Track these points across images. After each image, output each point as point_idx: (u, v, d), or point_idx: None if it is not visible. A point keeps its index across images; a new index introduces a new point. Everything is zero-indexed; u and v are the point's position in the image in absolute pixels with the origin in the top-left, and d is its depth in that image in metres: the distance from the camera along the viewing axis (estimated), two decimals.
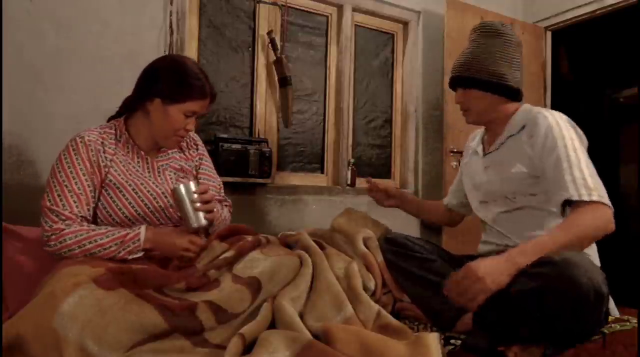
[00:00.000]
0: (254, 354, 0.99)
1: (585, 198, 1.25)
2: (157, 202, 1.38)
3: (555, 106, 3.33)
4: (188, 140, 1.57)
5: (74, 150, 1.33)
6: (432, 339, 1.08)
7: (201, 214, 1.31)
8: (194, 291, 1.18)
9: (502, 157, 1.50)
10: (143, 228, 1.29)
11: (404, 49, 3.16)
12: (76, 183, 1.30)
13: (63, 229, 1.23)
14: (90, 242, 1.23)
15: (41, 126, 1.98)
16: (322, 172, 2.89)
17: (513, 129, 1.48)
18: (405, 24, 3.14)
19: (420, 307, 1.47)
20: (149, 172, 1.43)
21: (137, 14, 2.21)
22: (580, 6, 3.15)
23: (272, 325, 1.18)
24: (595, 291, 1.08)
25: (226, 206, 1.61)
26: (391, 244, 1.56)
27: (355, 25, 2.99)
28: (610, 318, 1.37)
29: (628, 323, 1.43)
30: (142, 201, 1.36)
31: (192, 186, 1.30)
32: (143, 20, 2.22)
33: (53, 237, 1.22)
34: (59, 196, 1.27)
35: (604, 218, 1.25)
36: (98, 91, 2.10)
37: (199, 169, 1.56)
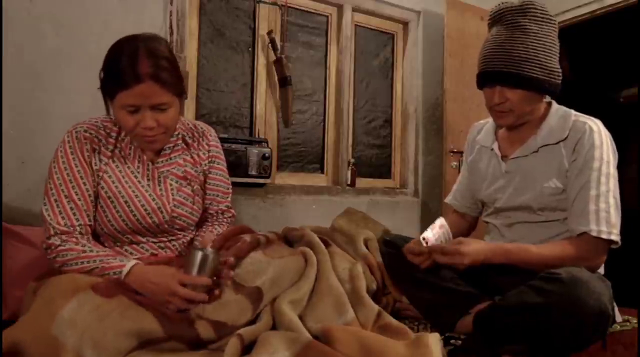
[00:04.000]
0: (253, 355, 0.99)
1: (604, 236, 1.22)
2: (152, 218, 1.25)
3: None
4: (198, 137, 1.37)
5: (70, 147, 1.21)
6: (433, 339, 1.08)
7: (200, 290, 1.09)
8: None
9: (533, 167, 1.34)
10: (130, 263, 1.12)
11: (404, 49, 3.16)
12: (73, 187, 1.19)
13: (58, 245, 1.14)
14: (76, 263, 1.13)
15: (41, 126, 1.98)
16: (322, 172, 2.89)
17: (550, 138, 1.32)
18: (405, 24, 3.14)
19: (419, 309, 1.47)
20: (148, 180, 1.27)
21: (137, 14, 2.20)
22: (580, 6, 3.14)
23: (273, 328, 1.17)
24: (601, 312, 1.07)
25: (226, 221, 1.47)
26: (389, 247, 1.55)
27: (355, 25, 2.98)
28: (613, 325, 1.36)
29: (628, 323, 1.42)
30: (134, 215, 1.23)
31: (210, 255, 1.08)
32: (143, 20, 2.22)
33: (48, 250, 1.16)
34: (56, 201, 1.17)
35: (596, 263, 1.25)
36: (98, 91, 2.09)
37: (209, 173, 1.38)
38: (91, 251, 1.15)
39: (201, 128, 1.41)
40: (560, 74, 1.30)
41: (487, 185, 1.47)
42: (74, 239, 1.16)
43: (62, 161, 1.21)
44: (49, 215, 1.17)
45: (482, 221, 1.59)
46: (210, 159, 1.39)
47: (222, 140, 2.35)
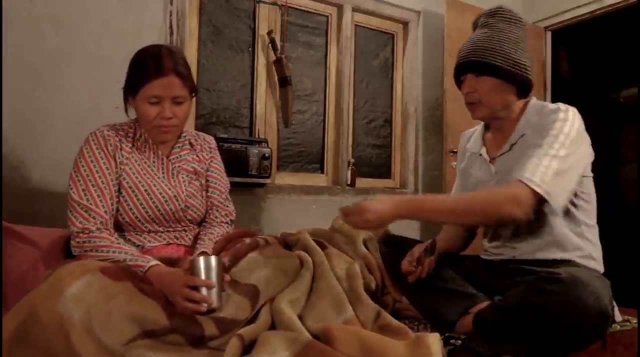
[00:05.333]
0: (253, 355, 0.99)
1: (532, 185, 1.18)
2: (169, 205, 1.36)
3: None
4: (201, 141, 1.53)
5: (95, 144, 1.32)
6: (433, 339, 1.07)
7: (214, 295, 1.10)
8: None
9: (515, 159, 1.34)
10: (152, 263, 1.18)
11: (404, 49, 3.16)
12: (100, 177, 1.29)
13: (93, 232, 1.23)
14: (107, 251, 1.20)
15: (41, 126, 1.99)
16: (322, 172, 2.89)
17: (526, 127, 1.35)
18: (405, 24, 3.14)
19: (419, 310, 1.47)
20: (163, 173, 1.40)
21: (137, 14, 2.21)
22: (580, 6, 3.15)
23: (272, 328, 1.17)
24: (601, 312, 1.07)
25: (225, 220, 1.52)
26: (389, 247, 1.55)
27: (355, 25, 2.99)
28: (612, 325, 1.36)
29: (628, 323, 1.42)
30: (154, 202, 1.35)
31: (213, 262, 1.11)
32: (143, 20, 2.22)
33: (82, 235, 1.22)
34: (83, 190, 1.26)
35: (515, 208, 1.18)
36: (98, 91, 2.10)
37: (208, 170, 1.52)
38: (123, 244, 1.25)
39: (203, 135, 1.56)
40: (527, 69, 1.35)
41: (481, 189, 1.47)
42: (107, 231, 1.26)
43: (89, 154, 1.31)
44: (79, 198, 1.25)
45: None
46: (210, 159, 1.53)
47: (222, 141, 2.37)
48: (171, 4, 2.28)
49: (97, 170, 1.29)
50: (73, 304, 0.96)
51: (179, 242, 1.41)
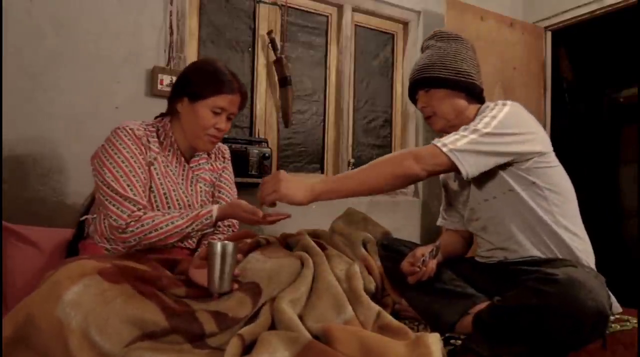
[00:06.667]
0: (253, 355, 0.99)
1: (439, 145, 1.27)
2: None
3: (555, 106, 3.33)
4: (216, 150, 1.59)
5: (129, 139, 1.34)
6: (433, 339, 1.07)
7: (226, 282, 1.17)
8: (195, 299, 1.17)
9: None
10: (215, 207, 1.34)
11: (404, 49, 3.16)
12: (142, 172, 1.32)
13: (141, 215, 1.27)
14: (167, 225, 1.28)
15: (41, 126, 1.98)
16: (322, 172, 2.89)
17: None
18: (405, 24, 3.14)
19: (419, 311, 1.47)
20: (183, 179, 1.45)
21: (137, 14, 2.20)
22: (580, 6, 3.14)
23: (272, 327, 1.17)
24: (599, 312, 1.08)
25: (226, 231, 1.57)
26: (388, 251, 1.55)
27: (355, 25, 2.99)
28: (611, 318, 1.37)
29: (628, 323, 1.43)
30: (169, 207, 1.38)
31: (230, 249, 1.17)
32: (143, 21, 2.22)
33: (132, 222, 1.26)
34: (128, 185, 1.29)
35: (426, 165, 1.26)
36: (98, 91, 2.10)
37: (219, 180, 1.57)
38: (173, 212, 1.32)
39: (219, 145, 1.62)
40: (471, 75, 1.44)
41: (459, 198, 1.55)
42: (154, 210, 1.32)
43: (125, 148, 1.32)
44: (125, 192, 1.28)
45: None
46: (223, 169, 1.60)
47: (222, 141, 2.36)
48: (171, 4, 2.28)
49: (138, 166, 1.32)
50: (71, 310, 0.95)
51: (182, 246, 1.43)
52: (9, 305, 1.33)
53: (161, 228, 1.27)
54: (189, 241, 1.45)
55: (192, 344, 1.07)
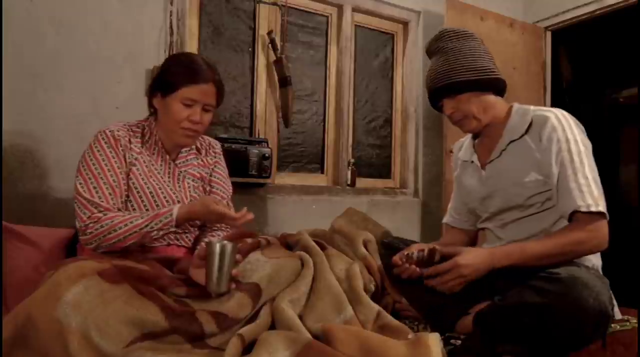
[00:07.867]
0: (253, 355, 0.99)
1: (593, 209, 1.22)
2: None
3: (555, 106, 3.32)
4: (206, 146, 1.56)
5: (106, 142, 1.33)
6: (433, 339, 1.07)
7: (224, 282, 1.14)
8: (195, 299, 1.16)
9: (508, 165, 1.40)
10: (176, 207, 1.30)
11: (404, 49, 3.16)
12: (111, 175, 1.31)
13: (100, 217, 1.26)
14: (125, 225, 1.25)
15: (41, 126, 1.98)
16: (322, 172, 2.89)
17: (514, 133, 1.39)
18: (405, 24, 3.14)
19: (419, 310, 1.47)
20: (169, 177, 1.43)
21: (137, 14, 2.21)
22: (580, 6, 3.14)
23: (272, 327, 1.17)
24: (601, 312, 1.08)
25: (225, 228, 1.55)
26: (388, 249, 1.55)
27: (355, 25, 2.99)
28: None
29: (628, 323, 1.43)
30: (158, 206, 1.36)
31: (229, 248, 1.14)
32: (143, 20, 2.22)
33: (91, 224, 1.24)
34: (94, 188, 1.28)
35: (600, 238, 1.23)
36: (98, 91, 2.10)
37: (211, 175, 1.54)
38: (142, 213, 1.29)
39: (209, 140, 1.60)
40: (492, 70, 1.40)
41: (475, 195, 1.52)
42: (112, 213, 1.28)
43: (99, 152, 1.32)
44: (90, 195, 1.27)
45: (478, 227, 1.59)
46: (215, 164, 1.57)
47: (222, 141, 2.36)
48: (171, 4, 2.28)
49: (108, 168, 1.31)
50: (71, 311, 0.95)
51: (179, 244, 1.42)
52: (9, 305, 1.33)
53: (119, 228, 1.24)
54: (185, 238, 1.43)
55: (192, 344, 1.07)
